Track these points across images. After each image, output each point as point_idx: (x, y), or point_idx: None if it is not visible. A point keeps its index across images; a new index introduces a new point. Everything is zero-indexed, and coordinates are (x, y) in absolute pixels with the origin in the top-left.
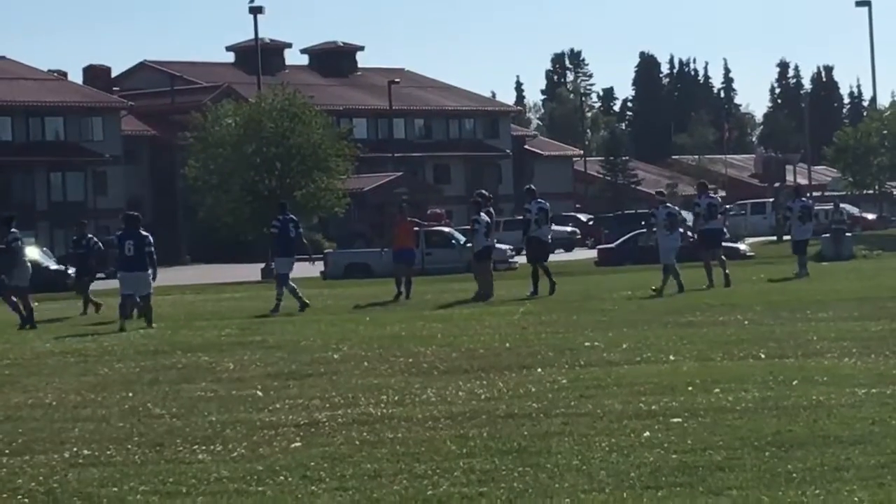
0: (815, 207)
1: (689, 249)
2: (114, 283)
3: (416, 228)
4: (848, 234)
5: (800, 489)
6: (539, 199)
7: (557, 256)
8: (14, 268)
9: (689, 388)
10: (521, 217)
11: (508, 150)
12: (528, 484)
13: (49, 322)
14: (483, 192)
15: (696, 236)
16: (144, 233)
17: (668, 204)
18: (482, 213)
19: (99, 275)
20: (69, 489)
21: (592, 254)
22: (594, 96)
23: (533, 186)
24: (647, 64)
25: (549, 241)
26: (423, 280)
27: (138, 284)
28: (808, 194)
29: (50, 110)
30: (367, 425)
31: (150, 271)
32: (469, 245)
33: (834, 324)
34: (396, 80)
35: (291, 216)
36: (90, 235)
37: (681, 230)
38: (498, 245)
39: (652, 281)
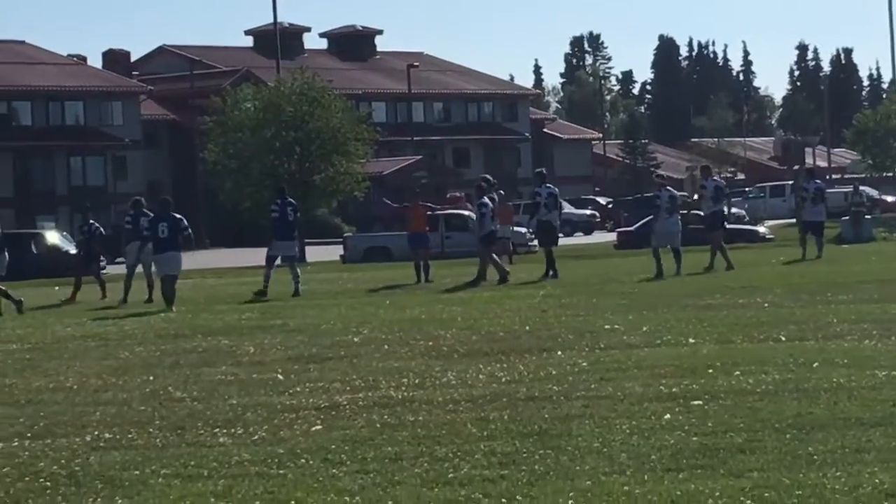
0: (835, 189)
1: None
2: (118, 270)
3: (428, 213)
4: (867, 216)
5: (820, 471)
6: (548, 184)
7: (577, 239)
8: None
9: (710, 371)
10: (529, 202)
11: (527, 134)
12: (548, 466)
13: (62, 306)
14: (487, 176)
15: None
16: (178, 215)
17: (669, 187)
18: (485, 198)
19: (119, 258)
20: (91, 472)
21: (612, 237)
22: (613, 79)
23: (543, 170)
24: (667, 47)
25: (559, 225)
26: (442, 263)
27: (168, 265)
28: (828, 176)
29: (70, 95)
30: (387, 408)
31: (181, 252)
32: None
33: (854, 306)
34: (415, 63)
35: (290, 200)
36: (91, 220)
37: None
38: (517, 228)
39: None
